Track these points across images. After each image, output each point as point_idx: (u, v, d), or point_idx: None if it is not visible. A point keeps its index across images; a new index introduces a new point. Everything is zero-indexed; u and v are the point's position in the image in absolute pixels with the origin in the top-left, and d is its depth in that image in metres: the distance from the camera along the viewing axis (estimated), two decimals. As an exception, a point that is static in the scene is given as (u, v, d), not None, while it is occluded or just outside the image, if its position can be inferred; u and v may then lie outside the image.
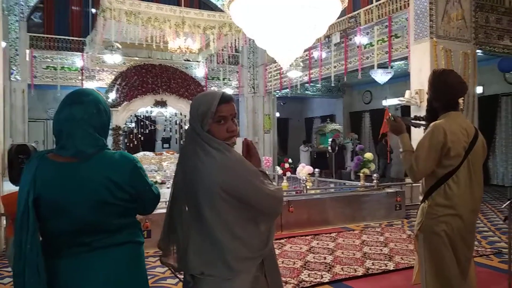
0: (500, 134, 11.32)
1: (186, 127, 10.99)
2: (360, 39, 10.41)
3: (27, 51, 12.04)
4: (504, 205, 3.25)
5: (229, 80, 14.83)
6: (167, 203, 1.63)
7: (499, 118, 11.34)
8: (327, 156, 14.37)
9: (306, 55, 12.01)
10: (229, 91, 14.84)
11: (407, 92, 8.89)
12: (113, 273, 1.55)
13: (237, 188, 1.46)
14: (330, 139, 14.32)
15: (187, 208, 1.55)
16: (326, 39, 11.37)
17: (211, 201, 1.45)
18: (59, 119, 1.55)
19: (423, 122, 2.66)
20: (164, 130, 11.67)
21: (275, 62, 11.86)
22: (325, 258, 4.71)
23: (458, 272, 2.31)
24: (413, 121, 2.89)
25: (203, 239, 1.51)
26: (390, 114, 2.68)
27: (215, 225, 1.47)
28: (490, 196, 9.29)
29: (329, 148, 13.88)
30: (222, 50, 10.95)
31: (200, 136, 1.51)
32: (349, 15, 11.12)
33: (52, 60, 12.36)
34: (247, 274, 1.52)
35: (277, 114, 15.89)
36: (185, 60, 12.69)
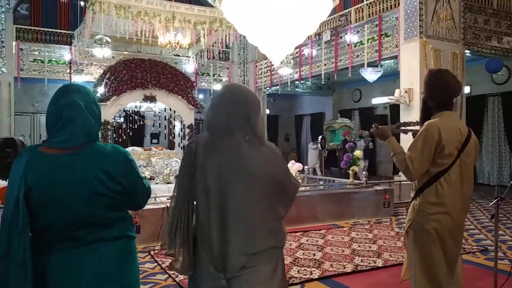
0: (487, 134, 11.48)
1: (176, 122, 10.89)
2: (351, 37, 10.45)
3: (14, 43, 11.81)
4: (491, 203, 3.29)
5: (219, 76, 14.77)
6: (170, 203, 1.70)
7: (486, 118, 11.49)
8: (337, 154, 13.54)
9: (297, 53, 12.01)
10: (219, 87, 14.80)
11: (397, 91, 8.96)
12: (105, 268, 1.53)
13: (280, 174, 1.70)
14: (341, 137, 13.42)
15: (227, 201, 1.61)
16: (317, 36, 11.38)
17: (265, 184, 1.63)
18: (58, 106, 1.54)
19: (412, 128, 2.69)
20: (153, 125, 11.56)
21: (265, 58, 11.86)
22: (314, 254, 4.73)
23: (446, 268, 2.34)
24: (402, 127, 2.92)
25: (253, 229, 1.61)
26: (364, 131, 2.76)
27: (267, 208, 1.63)
28: (477, 195, 9.42)
29: (339, 146, 13.05)
30: (213, 45, 10.88)
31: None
32: (340, 13, 11.15)
33: (39, 53, 12.15)
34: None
35: (267, 111, 15.89)
36: (175, 55, 12.60)
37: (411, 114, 8.38)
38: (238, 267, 1.57)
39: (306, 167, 12.12)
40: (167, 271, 4.13)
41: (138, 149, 9.95)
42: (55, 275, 1.48)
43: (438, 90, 2.41)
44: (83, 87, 1.64)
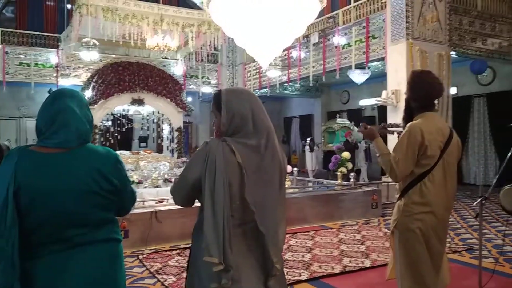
0: (472, 135, 11.63)
1: (164, 126, 10.85)
2: (338, 40, 10.54)
3: (-1, 47, 11.71)
4: (476, 202, 3.34)
5: (208, 79, 14.77)
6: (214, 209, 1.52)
7: (471, 119, 11.65)
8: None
9: (285, 55, 12.08)
10: (208, 89, 14.79)
11: (384, 92, 9.04)
12: (94, 271, 1.52)
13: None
14: (342, 138, 12.97)
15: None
16: (305, 39, 11.45)
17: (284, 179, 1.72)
18: (53, 110, 1.55)
19: (399, 129, 2.72)
20: (141, 128, 11.50)
21: (254, 61, 11.88)
22: (303, 256, 4.74)
23: (431, 267, 2.37)
24: (388, 128, 2.95)
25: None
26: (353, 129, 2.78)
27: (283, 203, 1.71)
28: (463, 195, 9.54)
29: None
30: (201, 48, 10.88)
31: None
32: (328, 15, 11.24)
33: (25, 56, 12.03)
34: None
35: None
36: (163, 58, 12.56)
37: (398, 115, 8.43)
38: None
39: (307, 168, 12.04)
40: (156, 275, 4.11)
41: (126, 152, 9.88)
42: (43, 279, 1.47)
43: (421, 91, 2.44)
44: (76, 92, 1.66)
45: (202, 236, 1.59)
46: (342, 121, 14.27)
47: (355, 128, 12.70)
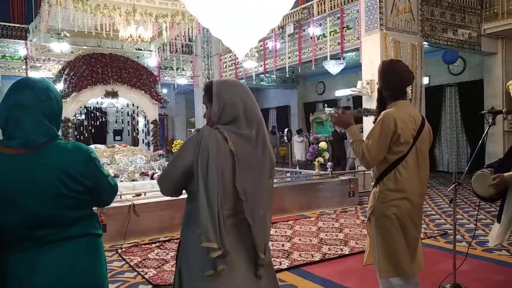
0: (445, 123, 11.93)
1: (139, 118, 10.67)
2: (313, 30, 10.57)
3: (-37, 38, 11.23)
4: (450, 188, 3.43)
5: (183, 70, 14.59)
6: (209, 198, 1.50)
7: (444, 108, 11.94)
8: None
9: (261, 46, 12.04)
10: (183, 81, 14.62)
11: (359, 82, 9.14)
12: (68, 266, 1.48)
13: None
14: (330, 129, 12.98)
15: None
16: (280, 29, 11.44)
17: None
18: (7, 106, 1.46)
19: (373, 111, 2.76)
20: (116, 121, 11.29)
21: (230, 52, 11.82)
22: (283, 245, 4.78)
23: (407, 252, 2.44)
24: (364, 112, 3.00)
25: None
26: (332, 110, 2.79)
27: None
28: (437, 182, 9.80)
29: (328, 138, 12.47)
30: (175, 39, 10.73)
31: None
32: (302, 6, 11.25)
33: (-9, 48, 11.59)
34: None
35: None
36: (136, 49, 12.33)
37: (373, 105, 8.53)
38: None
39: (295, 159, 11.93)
40: (136, 268, 4.07)
41: (101, 146, 9.70)
42: (15, 274, 1.43)
43: (392, 80, 2.50)
44: (39, 82, 1.55)
45: (192, 227, 1.58)
46: (330, 110, 14.25)
47: (327, 110, 12.78)
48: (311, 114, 14.98)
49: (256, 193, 1.61)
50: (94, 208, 1.70)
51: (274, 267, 3.92)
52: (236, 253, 1.58)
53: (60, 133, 1.63)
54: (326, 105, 14.57)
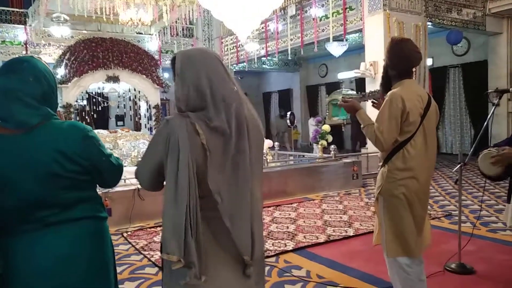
0: (448, 105, 11.85)
1: (141, 103, 10.62)
2: (315, 11, 10.42)
3: (-38, 24, 11.14)
4: (455, 169, 3.42)
5: (184, 54, 14.46)
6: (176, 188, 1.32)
7: (447, 89, 11.84)
8: (343, 130, 12.83)
9: (263, 28, 11.90)
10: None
11: (362, 64, 9.05)
12: (69, 249, 1.46)
13: None
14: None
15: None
16: (282, 11, 11.28)
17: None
18: None
19: (378, 92, 2.72)
20: (118, 106, 11.24)
21: (231, 34, 11.70)
22: (287, 227, 4.80)
23: (415, 230, 2.43)
24: (370, 95, 2.95)
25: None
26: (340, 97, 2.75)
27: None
28: (441, 164, 9.78)
29: (345, 121, 12.39)
30: (176, 22, 10.62)
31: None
32: (304, -14, 11.06)
33: (-9, 33, 11.50)
34: None
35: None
36: (137, 33, 12.22)
37: (376, 87, 8.47)
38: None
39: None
40: (141, 251, 4.10)
41: (103, 131, 9.67)
42: (17, 257, 1.43)
43: (399, 59, 2.44)
44: (25, 62, 1.49)
45: None
46: (347, 92, 14.07)
47: (344, 92, 12.52)
48: (327, 95, 14.76)
49: (233, 195, 1.38)
50: (99, 191, 1.67)
51: (279, 249, 3.96)
52: (217, 251, 1.40)
53: (57, 108, 1.58)
54: (343, 86, 14.09)
